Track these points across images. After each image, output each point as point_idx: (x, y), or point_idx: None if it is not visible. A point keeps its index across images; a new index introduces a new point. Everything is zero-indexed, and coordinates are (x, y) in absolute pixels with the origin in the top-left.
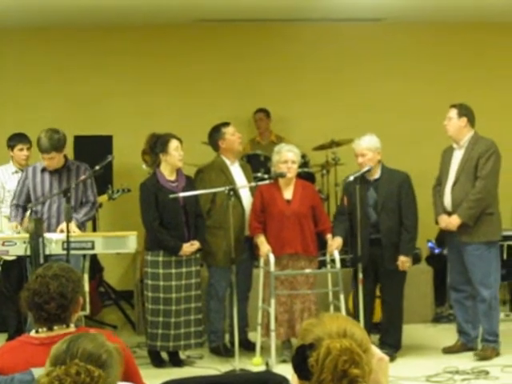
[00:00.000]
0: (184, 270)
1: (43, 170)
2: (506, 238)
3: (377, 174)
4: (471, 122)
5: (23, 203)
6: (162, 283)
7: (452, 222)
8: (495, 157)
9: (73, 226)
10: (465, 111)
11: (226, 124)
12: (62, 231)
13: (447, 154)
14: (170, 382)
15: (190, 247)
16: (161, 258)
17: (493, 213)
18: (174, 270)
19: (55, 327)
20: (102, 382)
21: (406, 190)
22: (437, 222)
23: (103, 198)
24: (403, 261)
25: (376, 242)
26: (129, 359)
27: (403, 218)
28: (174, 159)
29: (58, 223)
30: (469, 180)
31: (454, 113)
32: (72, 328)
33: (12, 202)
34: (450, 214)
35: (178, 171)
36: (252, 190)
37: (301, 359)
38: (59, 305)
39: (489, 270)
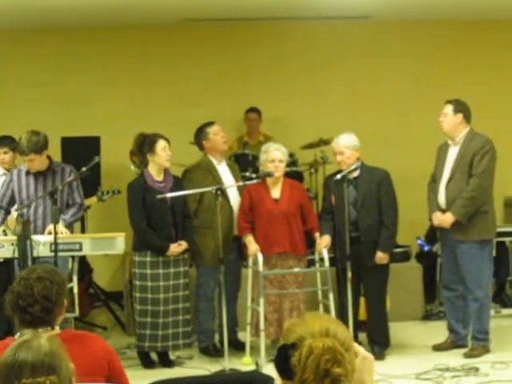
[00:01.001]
0: (172, 270)
1: (28, 172)
2: (496, 234)
3: (356, 172)
4: (467, 118)
5: (6, 205)
6: (149, 284)
7: (446, 219)
8: (490, 154)
9: (61, 226)
10: (461, 107)
11: (211, 124)
12: (50, 233)
13: (442, 150)
14: (158, 382)
15: (177, 247)
16: (148, 259)
17: (487, 211)
18: (161, 271)
19: (40, 330)
20: None
21: (386, 187)
22: (431, 219)
23: (92, 200)
24: (380, 256)
25: (355, 239)
26: (114, 362)
27: (383, 216)
28: (162, 159)
29: (44, 225)
30: (463, 177)
31: (449, 109)
32: (57, 330)
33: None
34: (444, 211)
35: (166, 171)
36: (240, 189)
37: (283, 359)
38: (43, 307)
39: (482, 269)
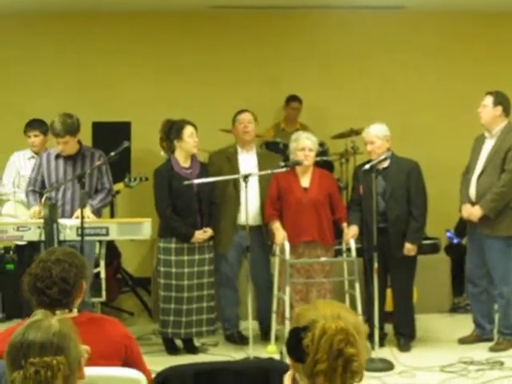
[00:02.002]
0: (197, 257)
1: (57, 156)
2: None
3: (386, 163)
4: (506, 111)
5: (39, 189)
6: (174, 270)
7: (474, 212)
8: None
9: (88, 211)
10: (501, 99)
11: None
12: (77, 217)
13: (479, 142)
14: (170, 368)
15: (202, 234)
16: (173, 245)
17: None
18: (186, 257)
19: (57, 312)
20: (64, 367)
21: (416, 178)
22: (460, 211)
23: (119, 186)
24: (409, 248)
25: (383, 230)
26: (131, 347)
27: (411, 207)
28: (189, 145)
29: (73, 210)
30: (495, 172)
31: (489, 100)
32: (74, 313)
33: (28, 189)
34: (474, 203)
35: (193, 158)
36: (263, 179)
37: (295, 341)
38: (61, 290)
39: (508, 265)
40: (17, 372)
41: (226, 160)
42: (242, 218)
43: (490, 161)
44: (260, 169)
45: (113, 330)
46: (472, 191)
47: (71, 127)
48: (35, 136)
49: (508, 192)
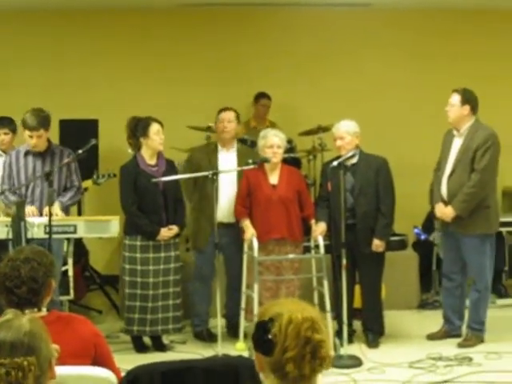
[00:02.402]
0: (162, 254)
1: (26, 153)
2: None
3: (354, 159)
4: (474, 109)
5: (9, 187)
6: (139, 267)
7: (446, 213)
8: (493, 149)
9: (57, 208)
10: (468, 98)
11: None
12: (46, 215)
13: (447, 138)
14: (139, 367)
15: (167, 232)
16: (139, 243)
17: (489, 206)
18: (151, 255)
19: (26, 311)
20: (34, 368)
21: (384, 174)
22: (433, 208)
23: (88, 183)
24: (377, 244)
25: (352, 227)
26: (101, 345)
27: (380, 203)
28: (155, 143)
29: (42, 207)
30: (465, 171)
31: (456, 99)
32: (43, 312)
33: (3, 187)
34: (446, 203)
35: (159, 155)
36: (240, 175)
37: (262, 333)
38: (30, 289)
39: (483, 262)
40: None
41: (205, 157)
42: (218, 215)
43: (460, 160)
44: (239, 166)
45: (82, 329)
46: (443, 190)
47: (45, 120)
48: (5, 134)
49: (479, 192)
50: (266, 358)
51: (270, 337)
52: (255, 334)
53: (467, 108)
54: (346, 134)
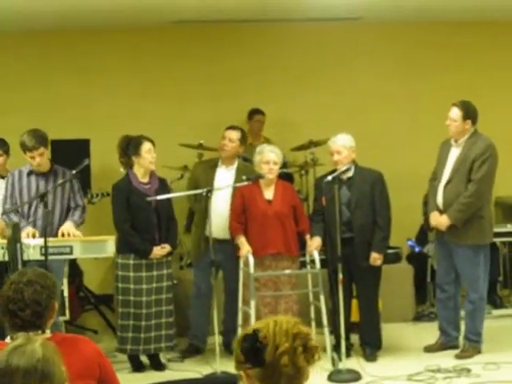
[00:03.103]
0: (155, 273)
1: (29, 173)
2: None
3: (350, 173)
4: (474, 122)
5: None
6: (132, 286)
7: (441, 222)
8: (490, 161)
9: (72, 228)
10: (469, 112)
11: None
12: (62, 235)
13: (444, 148)
14: None
15: (160, 250)
16: (131, 261)
17: (483, 216)
18: (144, 273)
19: (30, 334)
20: None
21: (380, 188)
22: (428, 217)
23: None
24: (375, 257)
25: (348, 241)
26: (105, 365)
27: (376, 217)
28: (147, 161)
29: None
30: (462, 181)
31: (457, 115)
32: (47, 334)
33: (5, 207)
34: (441, 212)
35: (151, 173)
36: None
37: (251, 342)
38: (34, 312)
39: (477, 272)
40: None
41: (203, 173)
42: (212, 231)
43: (457, 170)
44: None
45: (86, 349)
46: (439, 199)
47: (42, 138)
48: (2, 155)
49: (474, 202)
50: (256, 369)
51: (259, 343)
52: (243, 343)
53: (469, 122)
54: (343, 148)
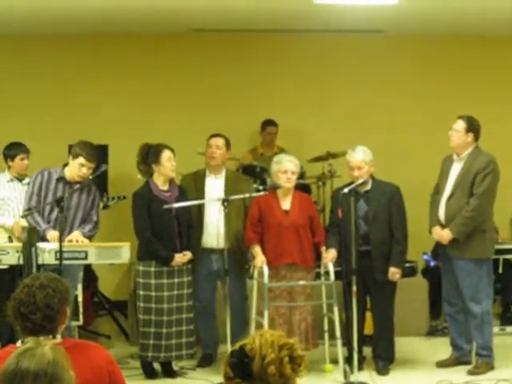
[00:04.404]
0: (176, 280)
1: (59, 179)
2: (502, 251)
3: (368, 186)
4: (476, 137)
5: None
6: (153, 293)
7: (443, 235)
8: (493, 175)
9: (81, 236)
10: (473, 127)
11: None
12: (70, 241)
13: (447, 163)
14: None
15: (182, 258)
16: (153, 269)
17: (485, 230)
18: (165, 281)
19: (41, 338)
20: None
21: (397, 202)
22: (430, 232)
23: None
24: (394, 272)
25: (365, 254)
26: (115, 372)
27: (394, 230)
28: (167, 170)
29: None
30: (464, 195)
31: (461, 126)
32: (58, 339)
33: (30, 204)
34: (443, 226)
35: (171, 181)
36: (235, 203)
37: (238, 356)
38: (45, 315)
39: (479, 285)
40: None
41: (192, 183)
42: (207, 241)
43: (459, 184)
44: (227, 193)
45: (97, 356)
46: (441, 214)
47: (97, 156)
48: (28, 158)
49: (477, 216)
50: (245, 383)
51: (246, 356)
52: (232, 360)
53: (471, 136)
54: (364, 163)
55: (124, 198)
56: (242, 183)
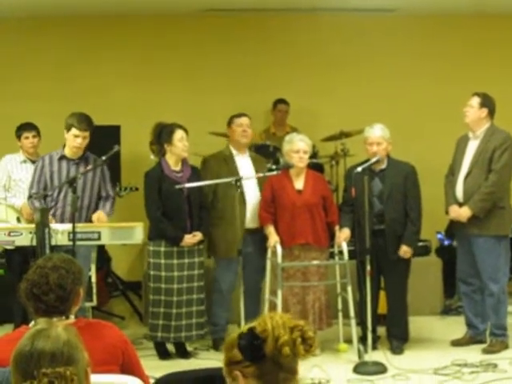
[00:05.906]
0: (186, 260)
1: (61, 158)
2: None
3: (383, 165)
4: (491, 113)
5: (42, 191)
6: (163, 273)
7: (462, 213)
8: (510, 151)
9: (105, 217)
10: (487, 102)
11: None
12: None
13: (462, 142)
14: (169, 374)
15: (191, 238)
16: (162, 249)
17: (504, 207)
18: (175, 261)
19: (54, 319)
20: (76, 378)
21: (412, 181)
22: (447, 212)
23: None
24: (405, 250)
25: (379, 233)
26: (129, 351)
27: (408, 210)
28: (179, 150)
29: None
30: (482, 172)
31: (476, 101)
32: (71, 320)
33: (30, 192)
34: (461, 204)
35: (184, 161)
36: (260, 182)
37: (249, 339)
38: (58, 296)
39: (498, 264)
40: (29, 382)
41: (223, 163)
42: (248, 221)
43: (476, 162)
44: (257, 172)
45: (111, 335)
46: (459, 192)
47: (91, 123)
48: (33, 137)
49: (496, 192)
50: (254, 366)
51: (258, 338)
52: (242, 343)
53: (485, 111)
54: (383, 139)
55: (136, 189)
56: (263, 164)
